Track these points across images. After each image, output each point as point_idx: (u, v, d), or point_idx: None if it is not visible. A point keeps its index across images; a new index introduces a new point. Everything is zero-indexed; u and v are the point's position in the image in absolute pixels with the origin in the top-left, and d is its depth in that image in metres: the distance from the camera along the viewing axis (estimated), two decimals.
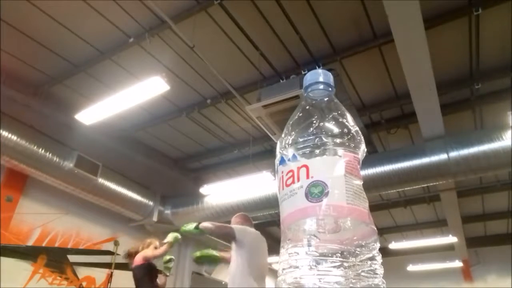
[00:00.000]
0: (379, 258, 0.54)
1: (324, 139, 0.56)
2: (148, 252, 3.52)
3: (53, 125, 5.19)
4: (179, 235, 3.55)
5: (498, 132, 4.34)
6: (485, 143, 4.35)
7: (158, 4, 3.65)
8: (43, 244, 5.37)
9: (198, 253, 3.22)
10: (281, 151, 0.61)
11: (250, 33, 4.12)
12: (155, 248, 3.62)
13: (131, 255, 3.66)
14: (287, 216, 0.55)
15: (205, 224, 2.80)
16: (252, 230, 3.04)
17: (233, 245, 2.87)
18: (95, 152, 5.46)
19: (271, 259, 7.53)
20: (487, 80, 4.47)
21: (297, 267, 0.51)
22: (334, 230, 0.52)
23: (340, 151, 0.56)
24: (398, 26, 3.26)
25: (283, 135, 0.62)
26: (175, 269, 7.49)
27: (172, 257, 3.83)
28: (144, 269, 3.48)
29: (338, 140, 0.57)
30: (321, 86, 0.63)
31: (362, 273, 0.50)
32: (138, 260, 3.50)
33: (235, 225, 3.01)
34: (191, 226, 2.84)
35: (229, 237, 2.86)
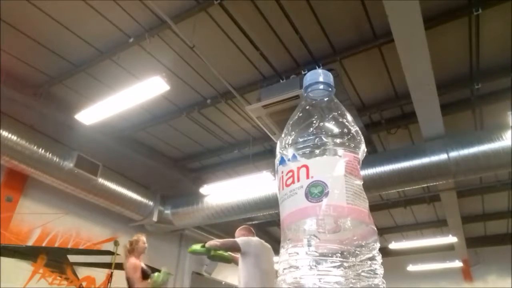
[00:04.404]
0: (379, 258, 0.54)
1: (324, 139, 0.56)
2: (130, 272, 3.68)
3: (53, 125, 5.19)
4: (166, 275, 3.84)
5: (498, 132, 4.34)
6: (485, 143, 4.35)
7: (158, 4, 3.65)
8: (43, 244, 5.38)
9: (207, 248, 3.33)
10: (281, 151, 0.61)
11: (250, 33, 4.12)
12: (142, 245, 3.89)
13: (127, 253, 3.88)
14: (287, 216, 0.55)
15: (211, 242, 3.14)
16: (255, 239, 3.29)
17: (240, 257, 3.15)
18: (95, 152, 5.46)
19: None
20: (487, 80, 4.46)
21: (297, 267, 0.51)
22: (334, 230, 0.52)
23: (340, 151, 0.56)
24: (398, 26, 3.26)
25: (283, 135, 0.62)
26: (175, 269, 7.50)
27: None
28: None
29: (338, 140, 0.57)
30: (321, 86, 0.63)
31: (362, 273, 0.50)
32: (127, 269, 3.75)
33: (242, 239, 3.25)
34: (197, 246, 3.16)
35: (235, 250, 3.16)
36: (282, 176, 0.58)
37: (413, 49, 3.45)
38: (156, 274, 3.78)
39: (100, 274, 5.96)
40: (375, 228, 0.55)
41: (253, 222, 8.17)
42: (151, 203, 6.47)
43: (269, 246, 3.36)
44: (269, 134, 4.53)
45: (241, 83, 4.82)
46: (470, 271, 9.25)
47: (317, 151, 0.56)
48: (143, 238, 3.95)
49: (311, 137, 0.57)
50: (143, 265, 3.80)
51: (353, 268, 0.50)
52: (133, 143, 6.23)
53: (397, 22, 3.22)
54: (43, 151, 4.83)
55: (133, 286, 3.61)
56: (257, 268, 3.06)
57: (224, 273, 8.34)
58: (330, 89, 0.64)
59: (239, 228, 3.55)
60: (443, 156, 4.53)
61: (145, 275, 3.71)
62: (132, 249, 3.83)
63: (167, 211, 6.74)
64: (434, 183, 5.31)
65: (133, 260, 3.75)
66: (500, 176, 6.33)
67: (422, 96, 4.05)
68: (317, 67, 4.35)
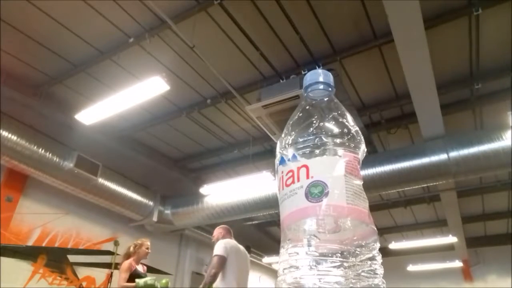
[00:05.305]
0: (379, 258, 0.54)
1: (324, 139, 0.56)
2: (120, 281, 3.61)
3: (53, 125, 5.19)
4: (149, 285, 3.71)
5: (498, 132, 4.34)
6: (485, 143, 4.35)
7: (158, 4, 3.65)
8: (43, 244, 5.37)
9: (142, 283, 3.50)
10: (281, 151, 0.60)
11: (250, 33, 4.12)
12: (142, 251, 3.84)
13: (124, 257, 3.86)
14: (287, 216, 0.55)
15: (210, 280, 3.16)
16: (230, 242, 3.38)
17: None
18: (95, 152, 5.46)
19: (271, 259, 7.54)
20: (487, 80, 4.47)
21: (297, 267, 0.51)
22: (334, 230, 0.52)
23: (340, 151, 0.56)
24: (398, 26, 3.26)
25: (283, 135, 0.62)
26: (175, 269, 7.49)
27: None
28: None
29: (338, 140, 0.57)
30: (321, 86, 0.63)
31: (362, 273, 0.50)
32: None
33: (218, 247, 3.30)
34: None
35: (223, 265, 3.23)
36: (282, 176, 0.58)
37: (413, 49, 3.45)
38: (139, 280, 3.66)
39: (100, 274, 5.96)
40: (375, 228, 0.55)
41: (253, 222, 8.18)
42: (151, 203, 6.46)
43: (243, 248, 3.45)
44: (269, 134, 4.53)
45: (241, 83, 4.82)
46: (470, 271, 9.26)
47: (317, 151, 0.56)
48: (147, 243, 3.89)
49: (311, 137, 0.57)
50: (139, 268, 3.76)
51: (353, 268, 0.50)
52: (133, 143, 6.23)
53: (397, 22, 3.22)
54: (43, 151, 4.82)
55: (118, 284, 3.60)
56: (229, 270, 3.17)
57: None
58: (330, 89, 0.63)
59: (218, 227, 3.61)
60: (443, 156, 4.53)
61: (134, 279, 3.65)
62: (134, 252, 3.80)
63: (167, 211, 6.74)
64: (434, 183, 5.31)
65: (128, 261, 3.71)
66: (500, 176, 6.33)
67: (422, 96, 4.05)
68: (317, 67, 4.35)
